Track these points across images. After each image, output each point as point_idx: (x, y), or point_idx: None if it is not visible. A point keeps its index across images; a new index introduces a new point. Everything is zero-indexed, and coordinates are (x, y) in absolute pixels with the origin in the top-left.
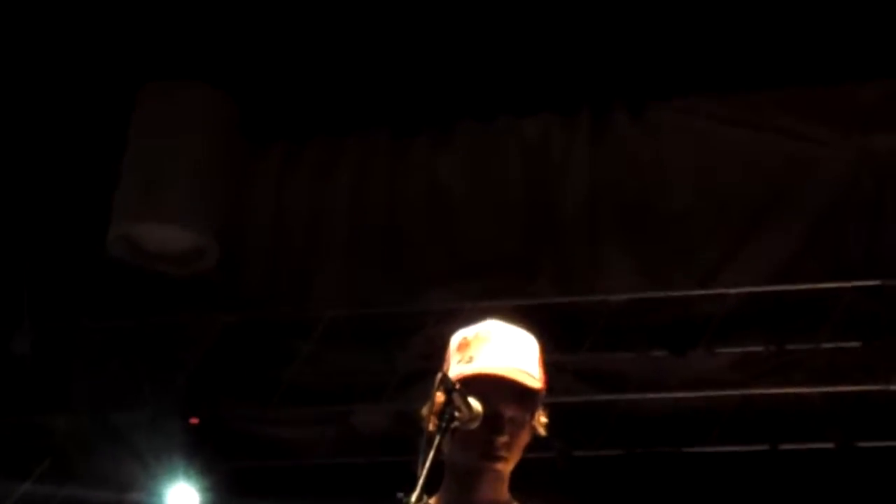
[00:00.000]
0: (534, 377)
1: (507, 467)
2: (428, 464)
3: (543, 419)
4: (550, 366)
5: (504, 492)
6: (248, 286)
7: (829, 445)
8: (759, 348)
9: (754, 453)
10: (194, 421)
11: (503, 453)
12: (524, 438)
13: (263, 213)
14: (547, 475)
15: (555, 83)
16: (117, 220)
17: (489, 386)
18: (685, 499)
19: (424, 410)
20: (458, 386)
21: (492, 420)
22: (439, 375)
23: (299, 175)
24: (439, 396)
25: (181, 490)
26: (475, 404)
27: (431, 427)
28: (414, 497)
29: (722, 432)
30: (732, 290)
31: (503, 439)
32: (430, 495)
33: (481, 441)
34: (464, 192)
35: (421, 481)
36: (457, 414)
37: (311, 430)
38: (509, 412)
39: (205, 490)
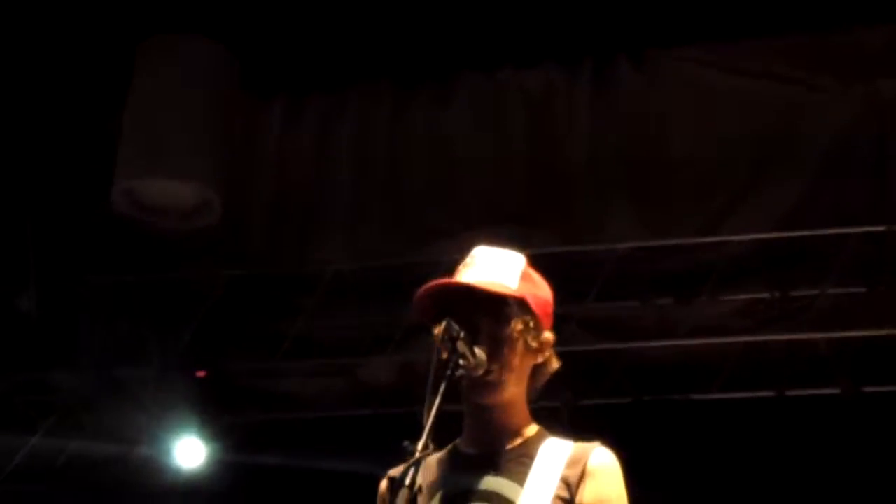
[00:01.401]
0: (504, 285)
1: (505, 389)
2: (433, 412)
3: (547, 335)
4: (556, 316)
5: (520, 420)
6: (252, 240)
7: (836, 391)
8: (765, 295)
9: (760, 400)
10: (200, 374)
11: (493, 366)
12: (515, 356)
13: (266, 168)
14: (554, 425)
15: (557, 33)
16: (120, 175)
17: (457, 299)
18: (692, 446)
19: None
20: (462, 334)
21: (468, 331)
22: (444, 324)
23: (301, 129)
24: (444, 345)
25: (188, 443)
26: (479, 352)
27: (437, 374)
28: (420, 445)
29: (728, 379)
30: (737, 238)
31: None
32: (436, 444)
33: None
34: (466, 144)
35: (427, 430)
36: (461, 362)
37: (316, 382)
38: (483, 324)
39: (211, 443)
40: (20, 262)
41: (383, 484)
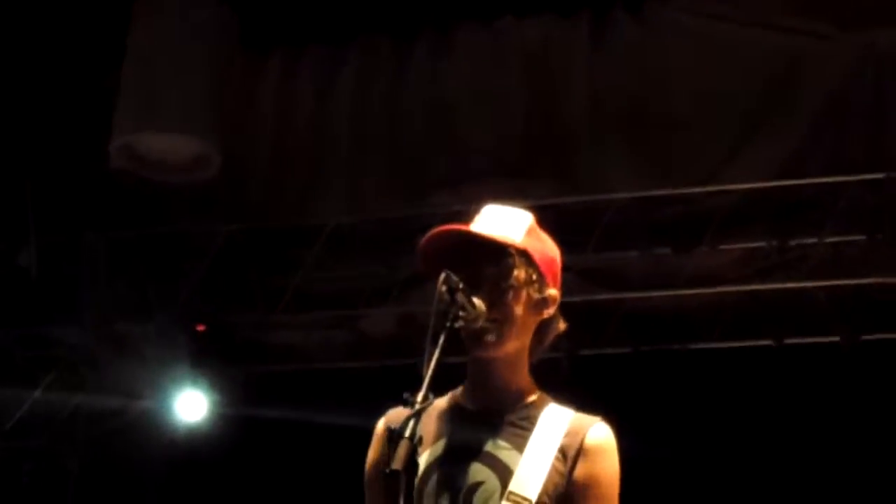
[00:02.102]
0: (507, 236)
1: (505, 342)
2: (433, 364)
3: (552, 291)
4: None
5: (521, 379)
6: (251, 194)
7: (834, 339)
8: (763, 244)
9: (759, 348)
10: (200, 328)
11: (493, 315)
12: (517, 306)
13: (264, 122)
14: (553, 374)
15: None
16: (118, 130)
17: (460, 249)
18: (692, 395)
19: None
20: (461, 285)
21: (469, 281)
22: (443, 275)
23: (299, 82)
24: (443, 296)
25: (189, 397)
26: (479, 302)
27: (436, 326)
28: (420, 396)
29: (727, 328)
30: (735, 187)
31: (483, 297)
32: (436, 395)
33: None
34: (465, 95)
35: (426, 381)
36: (461, 313)
37: (317, 335)
38: (485, 274)
39: (213, 396)
40: (20, 219)
41: (380, 424)
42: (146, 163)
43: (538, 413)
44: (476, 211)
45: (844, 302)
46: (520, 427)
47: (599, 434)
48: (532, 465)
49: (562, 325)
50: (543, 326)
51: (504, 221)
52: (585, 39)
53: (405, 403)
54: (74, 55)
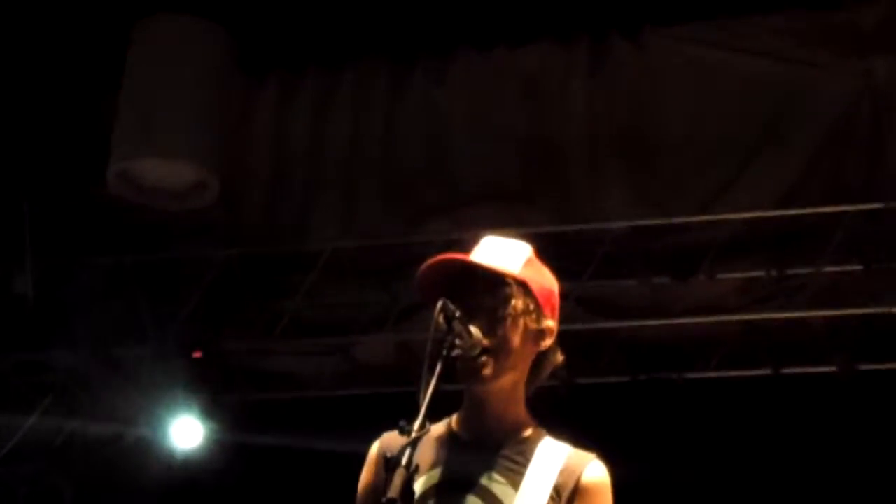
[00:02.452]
0: (507, 268)
1: (501, 374)
2: (430, 392)
3: (549, 322)
4: None
5: (517, 412)
6: (249, 220)
7: (832, 369)
8: (761, 273)
9: (757, 378)
10: (197, 355)
11: (490, 344)
12: (514, 336)
13: (262, 146)
14: (550, 403)
15: (552, 11)
16: (116, 155)
17: (458, 279)
18: (688, 425)
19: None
20: (458, 314)
21: (467, 310)
22: (440, 303)
23: (297, 107)
24: (440, 324)
25: (185, 423)
26: (476, 332)
27: (433, 354)
28: (416, 425)
29: (724, 358)
30: (733, 216)
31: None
32: (433, 423)
33: None
34: (463, 122)
35: (423, 409)
36: (458, 342)
37: (313, 362)
38: (482, 303)
39: (208, 423)
40: (17, 243)
41: (374, 448)
42: (143, 188)
43: (534, 448)
44: (475, 240)
45: (842, 331)
46: (515, 462)
47: (595, 473)
48: (527, 502)
49: (559, 357)
50: (540, 358)
51: (503, 252)
52: (583, 66)
53: (402, 431)
54: (73, 78)
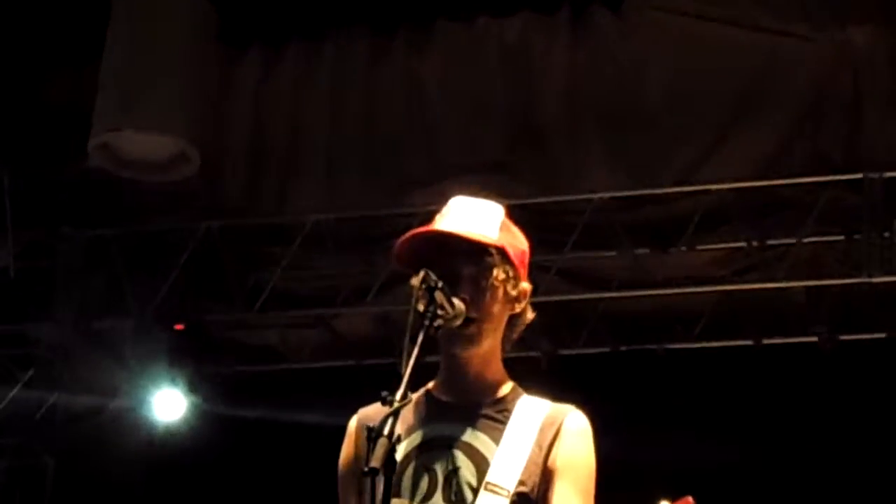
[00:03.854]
0: (485, 235)
1: (483, 340)
2: (412, 363)
3: (524, 285)
4: (533, 265)
5: (496, 372)
6: (230, 192)
7: (813, 339)
8: (742, 244)
9: (738, 348)
10: (178, 327)
11: (471, 315)
12: (494, 304)
13: (243, 118)
14: (532, 374)
15: None
16: (97, 128)
17: (437, 248)
18: (670, 395)
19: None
20: (440, 284)
21: (448, 280)
22: (421, 274)
23: (278, 79)
24: (422, 295)
25: (167, 395)
26: (458, 302)
27: (415, 325)
28: (398, 395)
29: (706, 329)
30: (714, 186)
31: (462, 296)
32: (414, 393)
33: None
34: (444, 94)
35: (405, 380)
36: (439, 312)
37: (294, 334)
38: (464, 272)
39: (190, 395)
40: None
41: (353, 422)
42: (124, 161)
43: (513, 405)
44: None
45: (823, 302)
46: (495, 420)
47: (576, 420)
48: (509, 455)
49: (530, 315)
50: (514, 319)
51: (478, 216)
52: (564, 37)
53: (384, 402)
54: (53, 50)
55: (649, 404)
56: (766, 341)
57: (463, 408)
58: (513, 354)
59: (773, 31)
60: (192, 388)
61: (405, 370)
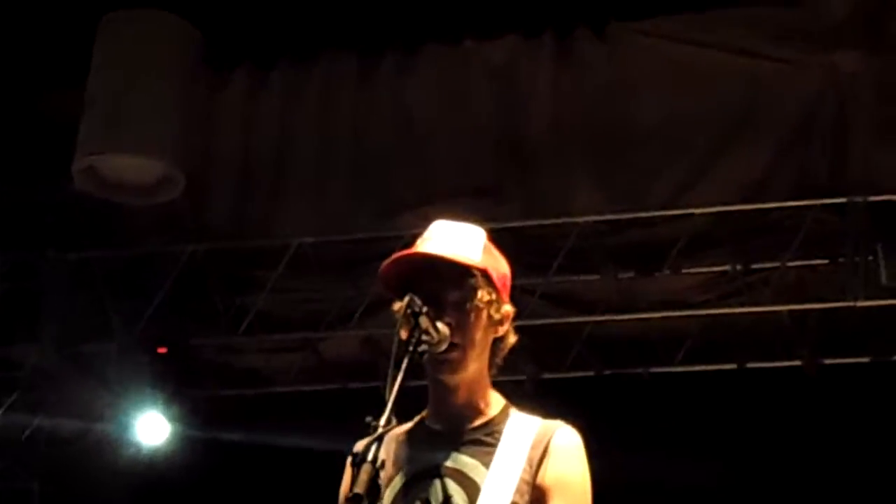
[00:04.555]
0: (468, 257)
1: (468, 366)
2: (396, 388)
3: (507, 308)
4: (518, 289)
5: (484, 395)
6: (215, 215)
7: (797, 363)
8: (726, 268)
9: (722, 372)
10: (162, 350)
11: (456, 340)
12: (478, 329)
13: (230, 141)
14: (517, 398)
15: (520, 4)
16: (82, 151)
17: (421, 271)
18: (655, 419)
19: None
20: (424, 309)
21: (433, 303)
22: (406, 299)
23: (265, 101)
24: (406, 320)
25: (151, 419)
26: (442, 327)
27: (400, 350)
28: (383, 421)
29: (690, 352)
30: (698, 210)
31: (447, 321)
32: (399, 418)
33: None
34: (431, 117)
35: (389, 405)
36: (424, 337)
37: (279, 357)
38: (449, 296)
39: (174, 419)
40: None
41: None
42: (109, 184)
43: (503, 425)
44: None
45: (807, 326)
46: (485, 443)
47: (566, 436)
48: (500, 478)
49: (513, 339)
50: (498, 342)
51: (460, 239)
52: (549, 60)
53: (368, 428)
54: (40, 73)
55: (634, 428)
56: (750, 365)
57: (453, 434)
58: (498, 378)
59: (760, 55)
60: (176, 411)
61: (389, 396)
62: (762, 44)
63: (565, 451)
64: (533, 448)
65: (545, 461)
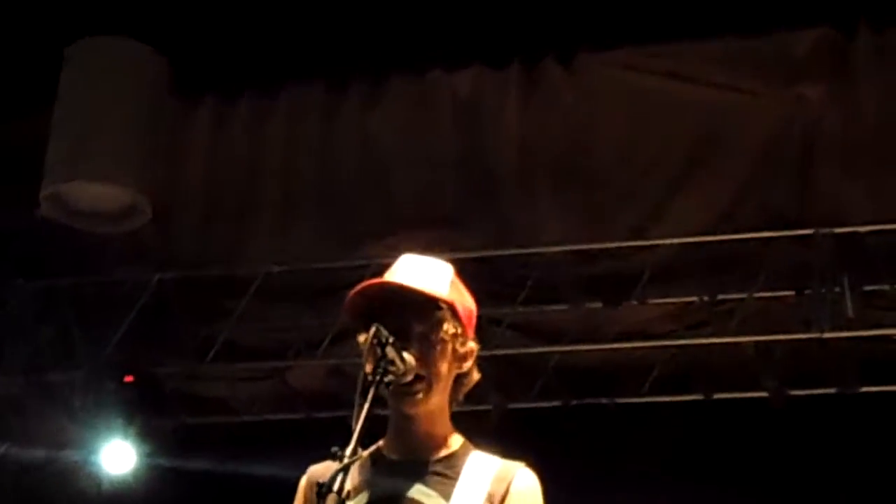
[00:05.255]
0: (436, 290)
1: (432, 397)
2: (362, 418)
3: (472, 344)
4: (485, 319)
5: (444, 430)
6: (182, 243)
7: (763, 395)
8: (693, 298)
9: (689, 403)
10: (129, 379)
11: (421, 371)
12: (444, 362)
13: (196, 169)
14: (483, 427)
15: (486, 35)
16: (48, 179)
17: (388, 302)
18: (621, 450)
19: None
20: (390, 339)
21: (399, 334)
22: (373, 329)
23: (231, 130)
24: (372, 350)
25: (117, 447)
26: (409, 357)
27: (366, 380)
28: (349, 450)
29: (656, 383)
30: (665, 241)
31: (413, 352)
32: (365, 449)
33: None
34: (397, 147)
35: (356, 435)
36: (390, 367)
37: (246, 386)
38: (415, 327)
39: (140, 447)
40: None
41: (303, 480)
42: (75, 212)
43: (463, 461)
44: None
45: (773, 357)
46: (445, 475)
47: (525, 479)
48: None
49: (476, 376)
50: (461, 378)
51: (428, 273)
52: (516, 90)
53: (334, 457)
54: (5, 100)
55: (600, 458)
56: (716, 396)
57: (412, 464)
58: (464, 408)
59: (725, 86)
60: (143, 440)
61: (355, 425)
62: (728, 75)
63: (525, 496)
64: (493, 484)
65: (505, 503)
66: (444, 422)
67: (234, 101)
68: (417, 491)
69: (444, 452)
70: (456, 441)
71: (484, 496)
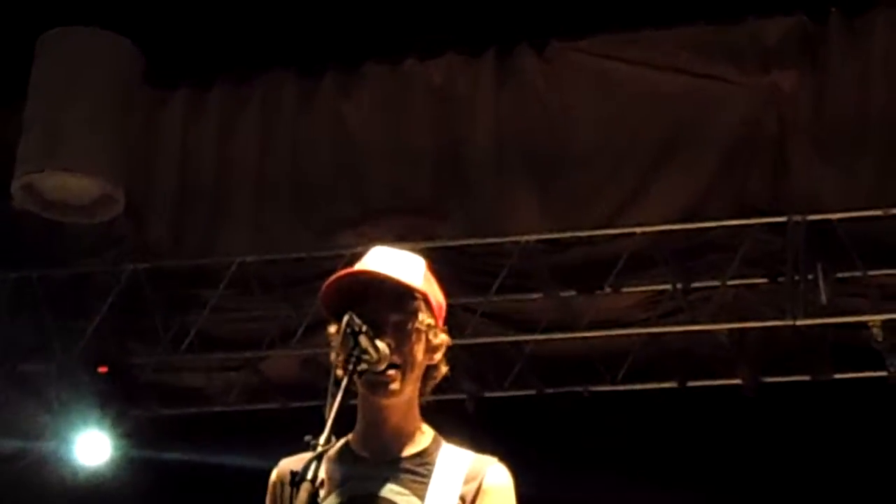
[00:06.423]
0: (412, 281)
1: (405, 388)
2: (336, 407)
3: (444, 336)
4: (459, 308)
5: (414, 423)
6: (155, 233)
7: (737, 382)
8: (667, 286)
9: (663, 391)
10: (103, 370)
11: (395, 360)
12: (418, 351)
13: (169, 159)
14: (457, 416)
15: (461, 23)
16: (21, 169)
17: (362, 292)
18: (595, 438)
19: (333, 355)
20: (364, 328)
21: (373, 324)
22: (346, 318)
23: (205, 120)
24: (346, 339)
25: (91, 438)
26: (382, 346)
27: (339, 370)
28: (322, 440)
29: (630, 371)
30: (639, 229)
31: (388, 341)
32: (339, 438)
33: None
34: (371, 135)
35: (329, 424)
36: (365, 356)
37: (220, 376)
38: (390, 316)
39: (115, 438)
40: None
41: (273, 474)
42: (48, 203)
43: (434, 457)
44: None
45: (747, 345)
46: (418, 474)
47: (498, 475)
48: None
49: (444, 369)
50: (431, 370)
51: (401, 264)
52: (490, 79)
53: (307, 447)
54: None
55: (574, 447)
56: (690, 384)
57: (385, 463)
58: (438, 397)
59: (698, 74)
60: (117, 430)
61: (329, 414)
62: (702, 63)
63: (496, 492)
64: (465, 483)
65: (478, 501)
66: (415, 416)
67: (208, 91)
68: (390, 490)
69: (415, 448)
70: (427, 435)
71: (457, 494)
